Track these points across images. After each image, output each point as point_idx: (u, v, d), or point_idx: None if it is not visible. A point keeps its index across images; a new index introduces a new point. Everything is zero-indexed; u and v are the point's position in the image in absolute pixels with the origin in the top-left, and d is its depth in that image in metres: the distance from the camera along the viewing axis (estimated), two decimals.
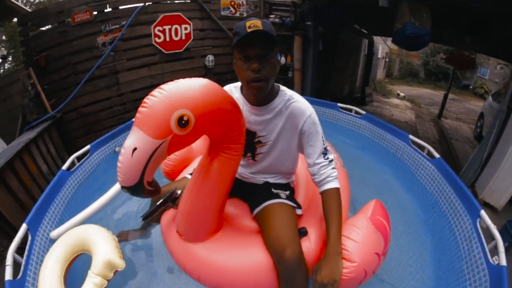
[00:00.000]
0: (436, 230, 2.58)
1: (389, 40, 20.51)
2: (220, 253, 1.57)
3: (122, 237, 2.08)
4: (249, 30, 1.28)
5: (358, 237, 1.53)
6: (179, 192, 1.73)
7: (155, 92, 1.15)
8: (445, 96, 9.68)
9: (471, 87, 18.61)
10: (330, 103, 4.50)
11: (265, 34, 1.30)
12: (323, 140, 1.57)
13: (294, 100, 1.55)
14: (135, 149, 1.09)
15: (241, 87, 1.65)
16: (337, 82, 9.33)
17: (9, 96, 4.96)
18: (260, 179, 1.80)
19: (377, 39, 13.91)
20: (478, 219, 2.10)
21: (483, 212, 2.10)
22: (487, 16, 4.85)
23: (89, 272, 1.47)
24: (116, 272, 1.53)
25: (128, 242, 2.08)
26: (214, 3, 5.81)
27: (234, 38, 1.34)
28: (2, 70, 10.94)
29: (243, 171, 1.83)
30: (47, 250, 1.84)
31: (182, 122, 1.11)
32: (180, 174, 2.29)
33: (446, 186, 2.73)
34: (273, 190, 1.70)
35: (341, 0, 5.83)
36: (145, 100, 1.15)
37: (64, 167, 2.94)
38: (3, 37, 10.78)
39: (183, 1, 5.74)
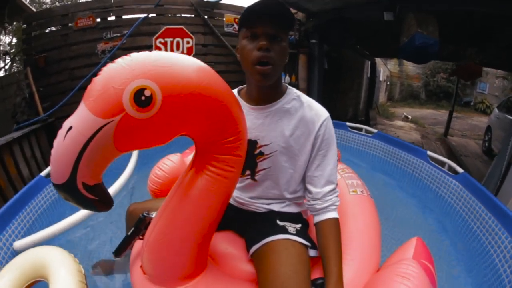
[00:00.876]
0: (470, 255, 2.26)
1: (389, 63, 20.88)
2: None
3: (97, 269, 1.79)
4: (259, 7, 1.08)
5: None
6: (153, 215, 1.24)
7: (119, 59, 0.80)
8: (450, 113, 9.61)
9: (472, 103, 18.98)
10: (338, 123, 4.35)
11: (277, 13, 1.09)
12: (335, 153, 1.29)
13: (306, 100, 1.28)
14: (70, 128, 0.75)
15: (239, 91, 1.36)
16: (341, 105, 9.25)
17: (8, 96, 4.80)
18: (262, 206, 1.38)
19: (378, 63, 14.01)
20: None
21: None
22: (488, 23, 4.84)
23: None
24: None
25: (103, 276, 1.76)
26: (218, 19, 5.79)
27: (241, 17, 1.14)
28: (3, 69, 10.97)
29: (240, 195, 1.42)
30: (7, 262, 1.49)
31: (141, 98, 0.74)
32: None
33: (476, 203, 2.48)
34: (278, 222, 1.28)
35: (344, 18, 5.78)
36: (103, 68, 0.79)
37: (43, 173, 2.76)
38: (13, 39, 10.76)
39: (187, 15, 5.71)
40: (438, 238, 2.47)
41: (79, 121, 0.75)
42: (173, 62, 0.82)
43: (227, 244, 1.33)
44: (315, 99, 1.28)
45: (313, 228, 1.35)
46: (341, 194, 1.76)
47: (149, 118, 0.77)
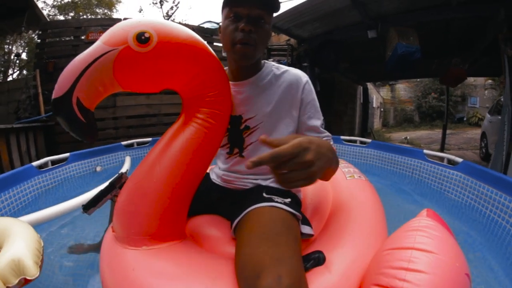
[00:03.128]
0: (489, 240, 2.04)
1: (382, 90, 21.31)
2: (155, 271, 0.93)
3: (73, 249, 1.73)
4: None
5: (433, 244, 0.86)
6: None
7: (131, 18, 1.07)
8: (444, 127, 9.64)
9: (465, 119, 19.29)
10: (333, 137, 4.20)
11: None
12: (319, 108, 1.31)
13: (285, 68, 1.28)
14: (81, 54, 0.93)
15: None
16: (336, 129, 9.30)
17: (14, 100, 4.97)
18: (249, 181, 1.31)
19: (371, 90, 14.31)
20: None
21: None
22: (466, 33, 5.26)
23: None
24: (25, 281, 1.07)
25: (78, 254, 1.69)
26: (216, 45, 6.21)
27: None
28: (15, 71, 11.67)
29: (227, 173, 1.35)
30: None
31: (141, 37, 0.95)
32: None
33: (482, 186, 2.40)
34: (264, 194, 1.15)
35: (333, 41, 6.21)
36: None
37: (35, 163, 2.78)
38: (26, 50, 11.30)
39: None
40: (453, 228, 2.32)
41: (90, 48, 0.93)
42: (170, 23, 1.06)
43: (211, 227, 1.23)
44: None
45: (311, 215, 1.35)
46: (338, 180, 1.72)
47: (145, 53, 0.95)
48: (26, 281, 1.07)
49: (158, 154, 1.07)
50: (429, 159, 3.25)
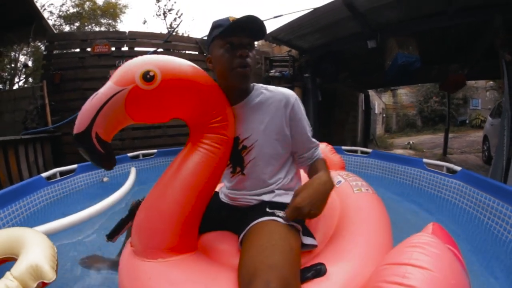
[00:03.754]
0: (487, 247, 2.12)
1: (384, 96, 21.29)
2: (170, 281, 1.04)
3: (88, 261, 1.79)
4: (232, 21, 1.21)
5: (428, 261, 0.88)
6: None
7: (136, 58, 1.18)
8: (446, 131, 9.67)
9: (467, 121, 19.12)
10: (334, 147, 4.28)
11: (250, 24, 1.23)
12: (308, 123, 1.44)
13: (273, 89, 1.40)
14: (96, 94, 1.07)
15: None
16: (338, 138, 9.36)
17: (19, 109, 5.11)
18: (253, 198, 1.41)
19: (373, 96, 14.33)
20: None
21: None
22: (464, 39, 5.34)
23: (7, 273, 1.14)
24: (42, 285, 1.17)
25: (92, 268, 1.75)
26: None
27: (215, 30, 1.25)
28: (21, 79, 11.86)
29: (232, 191, 1.47)
30: None
31: (147, 76, 1.08)
32: None
33: (481, 194, 2.47)
34: (267, 209, 1.24)
35: (333, 50, 6.36)
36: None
37: (44, 174, 2.88)
38: (31, 59, 11.51)
39: (192, 51, 6.35)
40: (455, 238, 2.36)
41: (104, 89, 1.06)
42: (172, 59, 1.19)
43: (220, 242, 1.34)
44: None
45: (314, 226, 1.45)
46: (346, 193, 1.81)
47: (151, 90, 1.08)
48: (44, 285, 1.17)
49: (171, 176, 1.20)
50: (428, 168, 3.32)
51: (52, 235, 1.94)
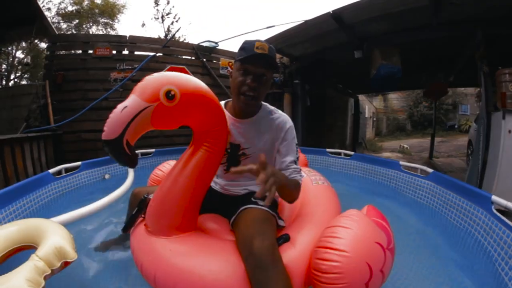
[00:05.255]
0: (454, 237, 2.40)
1: (375, 100, 21.51)
2: (184, 251, 1.41)
3: (102, 247, 2.03)
4: (256, 51, 1.42)
5: (351, 223, 1.35)
6: (151, 196, 1.63)
7: (157, 73, 1.38)
8: (432, 136, 9.97)
9: (456, 126, 19.24)
10: (319, 150, 4.69)
11: (269, 59, 1.45)
12: (296, 149, 1.67)
13: (278, 113, 1.68)
14: (125, 107, 1.23)
15: (225, 103, 1.75)
16: (327, 141, 9.61)
17: (17, 105, 5.26)
18: (242, 189, 1.77)
19: (364, 100, 14.51)
20: (493, 205, 2.13)
21: (494, 197, 2.13)
22: (448, 50, 5.65)
23: (33, 255, 1.21)
24: (64, 265, 1.27)
25: (107, 251, 2.00)
26: (214, 62, 6.81)
27: (239, 52, 1.48)
28: (17, 75, 12.00)
29: (226, 183, 1.80)
30: None
31: (169, 95, 1.28)
32: None
33: (448, 193, 2.77)
34: (252, 199, 1.61)
35: (323, 59, 6.66)
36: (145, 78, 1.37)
37: (51, 170, 3.07)
38: (27, 57, 11.29)
39: (189, 57, 6.64)
40: (420, 232, 2.52)
41: (132, 103, 1.24)
42: (185, 77, 1.40)
43: (213, 222, 1.69)
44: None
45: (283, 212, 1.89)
46: (305, 186, 2.16)
47: (173, 106, 1.30)
48: (66, 264, 1.28)
49: (179, 171, 1.51)
50: (404, 169, 3.60)
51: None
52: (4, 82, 12.11)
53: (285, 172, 1.58)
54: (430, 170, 3.18)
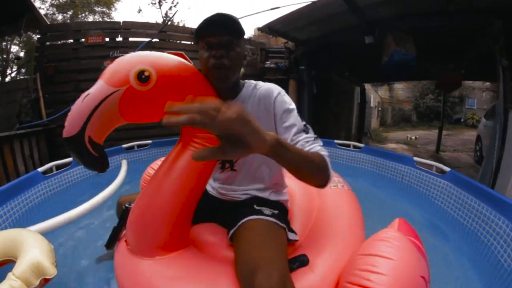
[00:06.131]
0: (469, 246, 2.17)
1: (380, 90, 21.30)
2: (169, 277, 1.12)
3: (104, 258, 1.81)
4: (211, 18, 1.21)
5: (392, 252, 1.08)
6: None
7: (128, 54, 1.14)
8: (440, 129, 9.75)
9: (462, 120, 19.15)
10: (327, 141, 4.36)
11: (229, 22, 1.22)
12: (299, 118, 1.26)
13: (261, 84, 1.38)
14: (87, 95, 1.02)
15: None
16: (333, 129, 9.40)
17: (13, 101, 5.02)
18: (242, 194, 1.46)
19: (369, 89, 14.33)
20: None
21: None
22: (461, 38, 5.28)
23: (9, 274, 1.14)
24: (44, 282, 1.19)
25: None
26: None
27: (197, 28, 1.24)
28: (14, 73, 11.67)
29: (222, 186, 1.51)
30: None
31: (142, 76, 1.04)
32: None
33: (467, 196, 2.50)
34: (255, 206, 1.33)
35: (330, 44, 6.25)
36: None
37: (40, 169, 2.87)
38: (23, 50, 11.35)
39: (187, 42, 6.29)
40: (434, 235, 2.40)
41: (96, 89, 1.02)
42: (166, 57, 1.17)
43: (209, 234, 1.39)
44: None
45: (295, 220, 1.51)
46: (323, 189, 1.81)
47: (146, 91, 1.05)
48: (46, 281, 1.19)
49: (163, 176, 1.21)
50: (418, 166, 3.35)
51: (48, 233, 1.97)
52: (0, 78, 11.84)
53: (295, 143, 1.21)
54: (447, 168, 2.94)
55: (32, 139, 4.16)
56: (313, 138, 1.21)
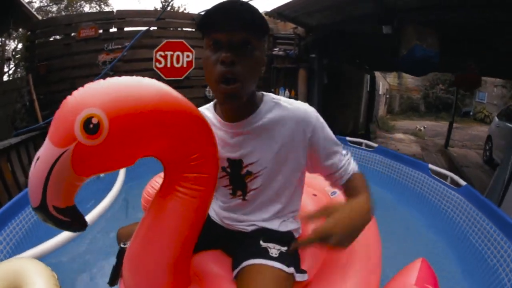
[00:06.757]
0: (474, 266, 2.21)
1: (388, 77, 20.99)
2: None
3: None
4: (222, 5, 0.89)
5: None
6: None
7: (76, 91, 0.85)
8: (450, 124, 9.60)
9: (471, 113, 18.90)
10: (338, 138, 4.18)
11: (242, 11, 0.89)
12: (333, 135, 1.16)
13: (287, 104, 1.11)
14: (38, 159, 0.83)
15: (214, 104, 1.21)
16: (341, 119, 9.21)
17: (10, 102, 4.83)
18: (248, 225, 1.25)
19: (378, 76, 14.14)
20: None
21: None
22: (486, 32, 4.86)
23: None
24: None
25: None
26: None
27: (201, 19, 0.95)
28: (7, 73, 11.13)
29: (228, 215, 1.29)
30: None
31: (89, 126, 0.78)
32: None
33: (479, 215, 2.44)
34: (261, 242, 1.15)
35: (343, 31, 5.89)
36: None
37: None
38: (19, 45, 10.95)
39: (188, 29, 5.84)
40: (442, 253, 2.40)
41: (44, 152, 0.81)
42: (121, 87, 0.84)
43: (213, 264, 1.25)
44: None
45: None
46: None
47: (100, 144, 0.79)
48: None
49: (152, 225, 1.03)
50: (433, 174, 3.26)
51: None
52: None
53: (341, 177, 1.15)
54: (463, 182, 2.85)
55: (29, 145, 3.99)
56: (349, 159, 1.18)
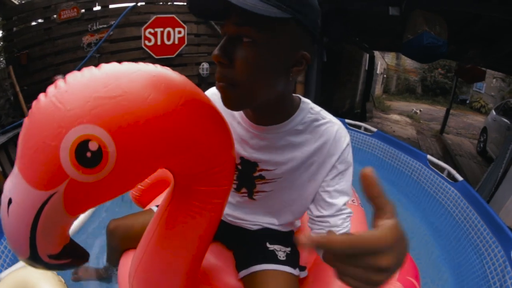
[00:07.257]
0: (460, 262, 2.29)
1: (387, 56, 20.74)
2: None
3: (76, 275, 1.71)
4: None
5: None
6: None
7: (51, 88, 0.55)
8: (447, 111, 9.65)
9: (468, 101, 18.96)
10: (337, 118, 4.16)
11: None
12: (350, 187, 1.02)
13: (327, 120, 0.98)
14: (10, 201, 0.57)
15: None
16: (339, 97, 9.20)
17: None
18: (252, 224, 1.20)
19: (376, 55, 13.99)
20: None
21: None
22: (495, 27, 4.74)
23: None
24: None
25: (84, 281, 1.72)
26: None
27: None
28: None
29: (231, 213, 1.21)
30: None
31: (86, 154, 0.51)
32: (150, 204, 1.69)
33: (472, 213, 2.46)
34: (268, 245, 1.14)
35: (346, 9, 5.62)
36: (32, 105, 0.55)
37: None
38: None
39: (179, 2, 5.34)
40: (431, 244, 2.49)
41: (19, 195, 0.55)
42: (126, 84, 0.55)
43: (215, 258, 1.25)
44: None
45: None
46: None
47: (104, 178, 0.55)
48: None
49: (160, 249, 0.90)
50: (430, 166, 3.27)
51: None
52: None
53: (333, 220, 0.95)
54: (460, 177, 2.87)
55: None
56: (349, 214, 0.98)
